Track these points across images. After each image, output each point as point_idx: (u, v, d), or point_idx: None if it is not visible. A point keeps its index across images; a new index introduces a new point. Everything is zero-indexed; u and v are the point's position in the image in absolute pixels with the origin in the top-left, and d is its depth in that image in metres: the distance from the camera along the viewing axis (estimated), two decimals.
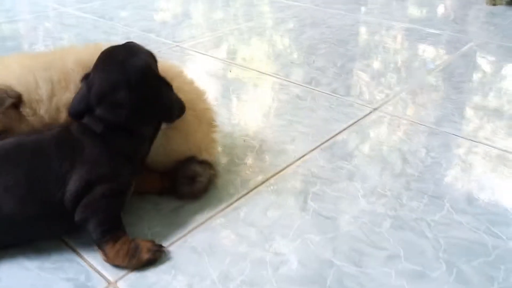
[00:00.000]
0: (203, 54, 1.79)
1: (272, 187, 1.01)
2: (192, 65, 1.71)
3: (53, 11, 2.26)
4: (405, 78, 1.58)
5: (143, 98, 0.83)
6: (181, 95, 0.90)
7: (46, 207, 0.77)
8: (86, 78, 0.84)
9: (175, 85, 0.91)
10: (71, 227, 0.80)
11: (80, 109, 0.83)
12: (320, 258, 0.82)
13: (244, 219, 0.91)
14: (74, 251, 0.82)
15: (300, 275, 0.78)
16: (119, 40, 1.89)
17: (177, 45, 1.86)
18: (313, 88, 1.50)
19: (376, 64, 1.71)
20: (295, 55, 1.80)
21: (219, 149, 1.12)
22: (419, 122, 1.28)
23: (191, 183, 0.94)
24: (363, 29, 2.13)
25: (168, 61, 1.02)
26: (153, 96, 0.84)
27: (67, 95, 0.85)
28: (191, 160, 0.95)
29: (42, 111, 0.84)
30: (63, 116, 0.86)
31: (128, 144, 0.83)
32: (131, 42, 0.90)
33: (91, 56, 0.85)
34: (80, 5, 2.34)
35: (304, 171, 1.06)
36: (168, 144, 0.92)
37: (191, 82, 1.01)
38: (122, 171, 0.82)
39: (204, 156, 0.98)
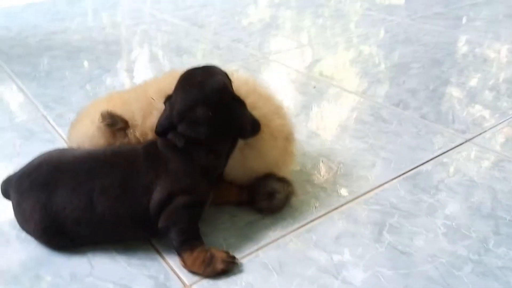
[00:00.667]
0: (288, 66, 1.86)
1: (347, 213, 1.04)
2: (276, 78, 1.78)
3: (151, 18, 2.46)
4: (507, 108, 1.54)
5: (219, 116, 0.92)
6: (256, 111, 0.98)
7: (134, 211, 0.89)
8: (169, 99, 0.96)
9: (249, 100, 0.99)
10: (154, 232, 0.90)
11: (165, 127, 0.95)
12: None
13: (316, 242, 0.96)
14: (158, 251, 0.93)
15: None
16: (209, 49, 2.03)
17: (263, 57, 1.95)
18: (400, 111, 1.51)
19: (474, 90, 1.68)
20: (383, 74, 1.81)
21: (297, 168, 1.17)
22: None
23: (269, 198, 1.02)
24: (462, 49, 2.09)
25: (243, 75, 1.09)
26: (228, 115, 0.93)
27: (151, 119, 0.99)
28: (270, 176, 1.03)
29: (137, 133, 1.01)
30: (150, 136, 1.00)
31: (206, 159, 0.93)
32: (209, 65, 1.01)
33: (169, 84, 0.98)
34: (176, 12, 2.52)
35: (382, 200, 1.09)
36: (244, 161, 1.01)
37: (267, 97, 1.08)
38: (201, 184, 0.92)
39: (282, 171, 1.05)
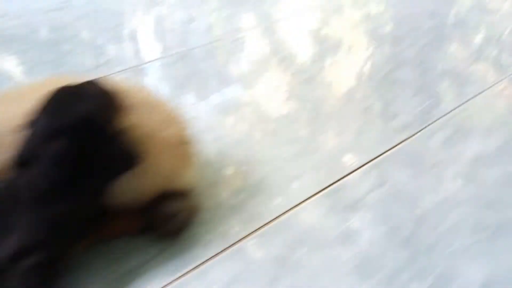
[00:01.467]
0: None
1: (249, 249, 0.93)
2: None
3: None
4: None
5: (84, 151, 0.82)
6: (142, 126, 0.90)
7: None
8: (31, 125, 0.85)
9: (134, 116, 0.90)
10: None
11: (23, 160, 0.84)
12: None
13: None
14: None
15: None
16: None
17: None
18: (346, 100, 1.38)
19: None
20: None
21: (202, 187, 1.07)
22: None
23: (169, 222, 0.94)
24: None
25: (129, 85, 0.98)
26: (94, 150, 0.83)
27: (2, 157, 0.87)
28: (165, 197, 0.93)
29: None
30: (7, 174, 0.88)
31: (68, 205, 0.82)
32: (89, 81, 0.89)
33: (24, 108, 0.85)
34: None
35: (293, 226, 0.97)
36: (133, 181, 0.90)
37: (155, 106, 0.98)
38: (60, 237, 0.82)
39: (181, 179, 0.97)
